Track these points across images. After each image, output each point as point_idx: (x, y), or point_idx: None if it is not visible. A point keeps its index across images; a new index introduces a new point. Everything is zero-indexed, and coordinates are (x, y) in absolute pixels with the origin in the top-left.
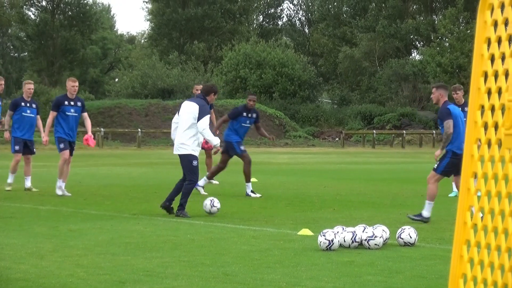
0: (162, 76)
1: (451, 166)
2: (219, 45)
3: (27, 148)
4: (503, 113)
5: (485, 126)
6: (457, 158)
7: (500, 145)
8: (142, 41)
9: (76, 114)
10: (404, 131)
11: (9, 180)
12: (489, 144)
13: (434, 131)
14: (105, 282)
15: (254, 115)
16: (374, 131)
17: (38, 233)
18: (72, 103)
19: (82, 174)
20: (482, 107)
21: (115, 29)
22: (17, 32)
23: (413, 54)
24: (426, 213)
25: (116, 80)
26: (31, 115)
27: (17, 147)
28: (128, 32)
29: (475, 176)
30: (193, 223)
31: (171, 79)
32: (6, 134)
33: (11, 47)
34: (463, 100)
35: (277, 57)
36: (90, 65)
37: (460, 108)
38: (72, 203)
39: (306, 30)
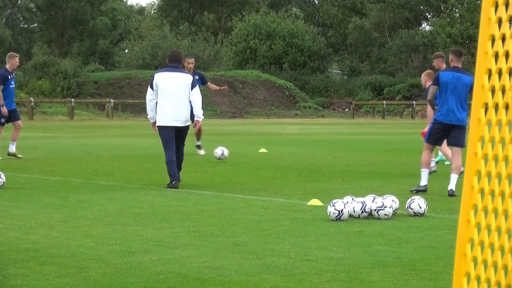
0: (172, 47)
1: (433, 132)
2: (229, 15)
3: (15, 115)
4: (510, 78)
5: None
6: (438, 124)
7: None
8: (152, 12)
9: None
10: (414, 102)
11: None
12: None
13: None
14: (115, 252)
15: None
16: (384, 102)
17: (47, 203)
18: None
19: (92, 145)
20: (489, 70)
21: (124, 0)
22: (26, 3)
23: (423, 25)
24: (423, 181)
25: (126, 51)
26: (13, 85)
27: (3, 120)
28: (137, 3)
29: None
30: (203, 194)
31: (181, 50)
32: (4, 110)
33: (21, 18)
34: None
35: (287, 28)
36: (100, 36)
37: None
38: (81, 173)
39: (316, 1)
